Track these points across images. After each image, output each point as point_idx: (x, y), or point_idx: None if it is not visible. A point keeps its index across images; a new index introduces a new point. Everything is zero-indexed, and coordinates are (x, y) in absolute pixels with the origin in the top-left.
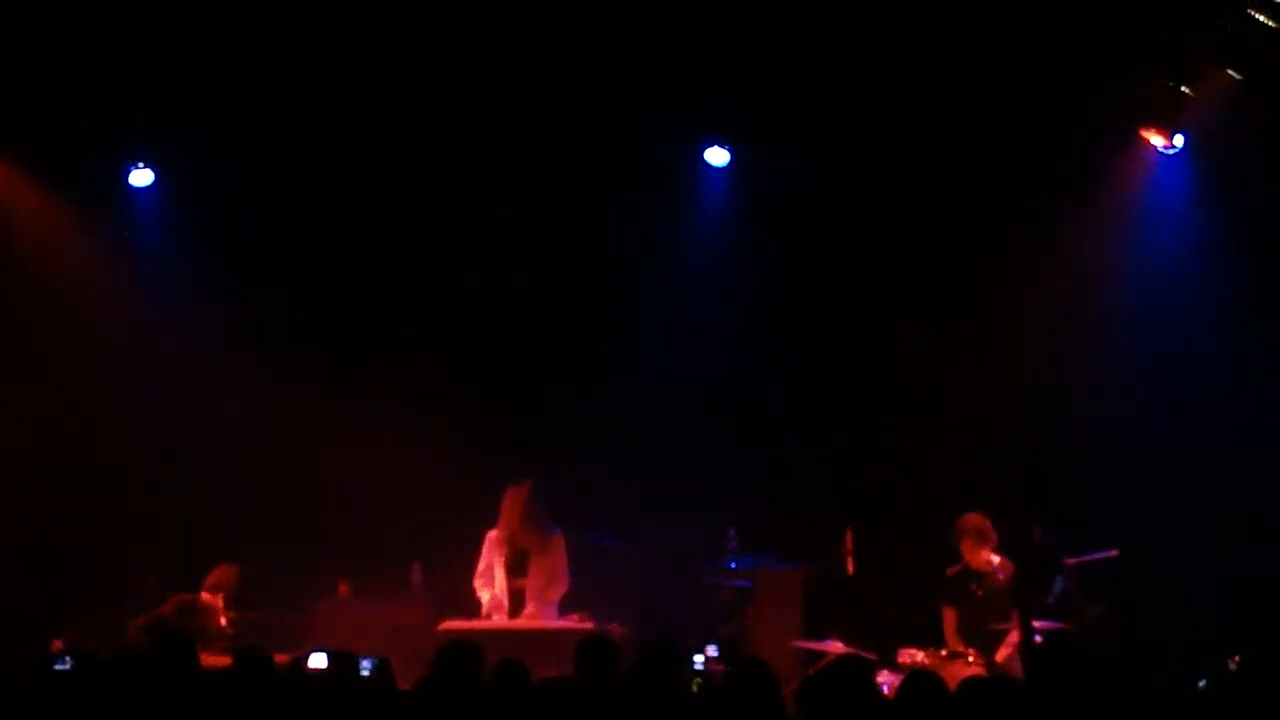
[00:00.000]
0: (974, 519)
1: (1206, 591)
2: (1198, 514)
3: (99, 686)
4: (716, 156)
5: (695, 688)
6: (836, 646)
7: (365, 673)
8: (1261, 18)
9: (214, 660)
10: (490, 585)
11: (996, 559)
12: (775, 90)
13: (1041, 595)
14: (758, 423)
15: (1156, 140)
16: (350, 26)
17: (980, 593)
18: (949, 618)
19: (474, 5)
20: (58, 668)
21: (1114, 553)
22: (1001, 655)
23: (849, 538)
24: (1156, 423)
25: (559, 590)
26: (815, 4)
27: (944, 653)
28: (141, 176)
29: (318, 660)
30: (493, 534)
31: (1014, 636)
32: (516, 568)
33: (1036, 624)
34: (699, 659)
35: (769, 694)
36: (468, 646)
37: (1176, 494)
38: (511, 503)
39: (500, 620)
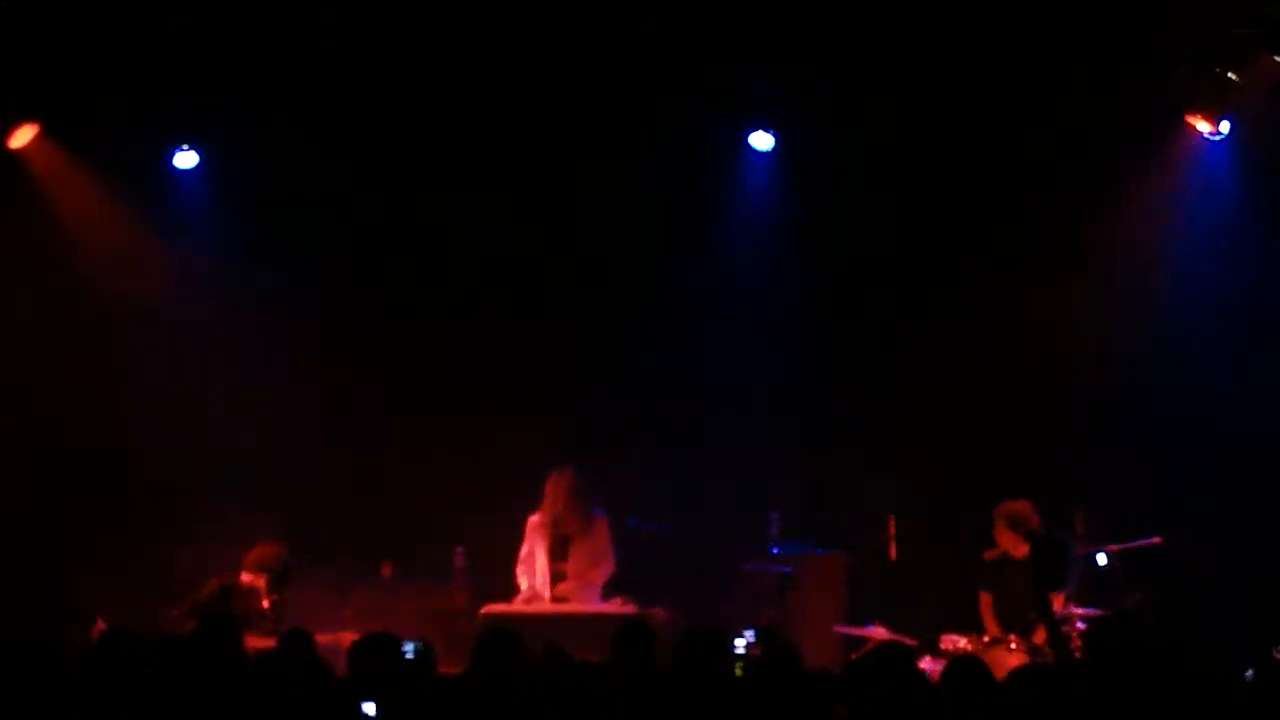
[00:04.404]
0: (1014, 506)
1: (1252, 581)
2: (1244, 502)
3: (147, 673)
4: (761, 141)
5: (738, 673)
6: (879, 633)
7: (408, 656)
8: None
9: (257, 642)
10: (531, 570)
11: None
12: (820, 74)
13: (1056, 583)
14: (801, 408)
15: (1203, 127)
16: (394, 8)
17: (1016, 578)
18: (985, 602)
19: None
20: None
21: (1157, 540)
22: (1040, 638)
23: (891, 524)
24: (1203, 409)
25: (604, 573)
26: None
27: (986, 639)
28: (185, 159)
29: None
30: (535, 518)
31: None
32: (559, 552)
33: (1077, 611)
34: (739, 644)
35: (797, 679)
36: (507, 634)
37: (1222, 482)
38: (555, 487)
39: (543, 605)
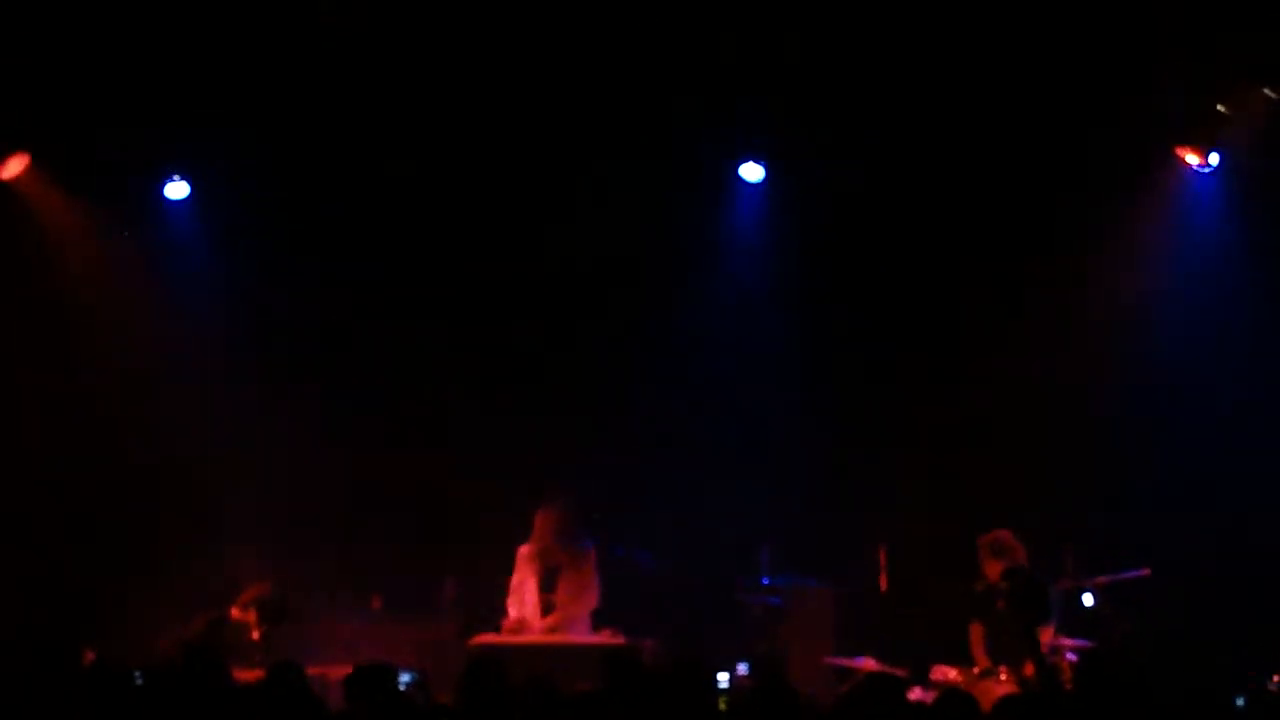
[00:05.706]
0: (996, 534)
1: (1243, 611)
2: (1234, 533)
3: (133, 704)
4: (752, 172)
5: (723, 705)
6: (869, 664)
7: (403, 686)
8: None
9: (247, 674)
10: (521, 601)
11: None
12: (811, 105)
13: (1041, 618)
14: (792, 439)
15: (1192, 158)
16: (388, 41)
17: (1003, 609)
18: (975, 633)
19: (514, 24)
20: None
21: (1146, 572)
22: (1029, 669)
23: (882, 555)
24: (1192, 441)
25: (588, 604)
26: (849, 19)
27: (976, 670)
28: (176, 189)
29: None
30: (525, 549)
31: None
32: (549, 583)
33: (1066, 643)
34: (723, 677)
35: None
36: (492, 663)
37: (1212, 513)
38: (545, 518)
39: (533, 635)
